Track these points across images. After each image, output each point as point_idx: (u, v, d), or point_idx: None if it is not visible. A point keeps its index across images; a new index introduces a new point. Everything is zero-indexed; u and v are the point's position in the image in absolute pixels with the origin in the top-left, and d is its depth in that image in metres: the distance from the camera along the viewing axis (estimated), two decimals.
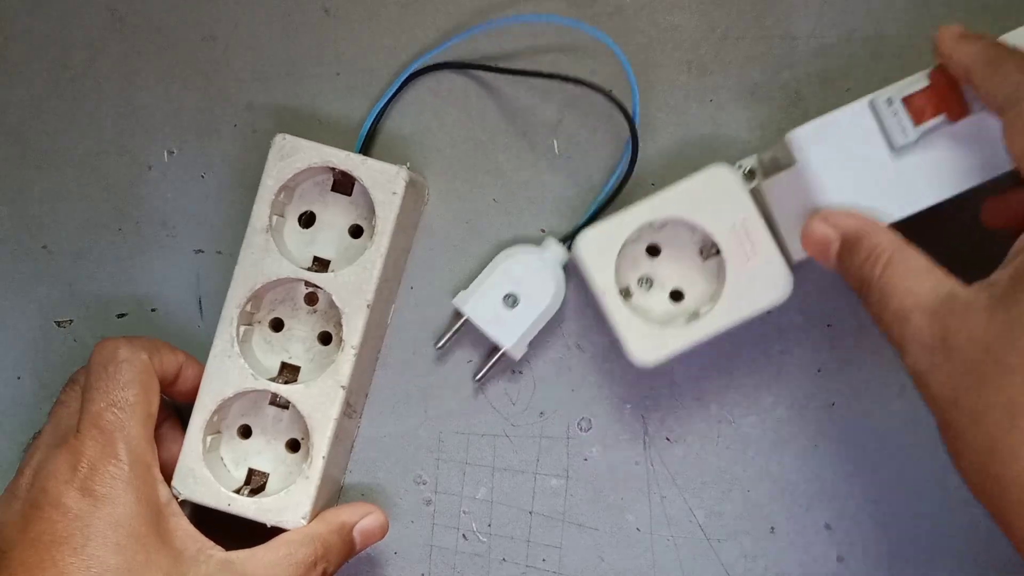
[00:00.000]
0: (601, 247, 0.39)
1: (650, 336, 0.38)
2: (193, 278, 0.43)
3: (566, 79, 0.41)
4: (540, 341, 0.42)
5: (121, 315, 0.43)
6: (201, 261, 0.43)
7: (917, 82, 0.35)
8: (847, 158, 0.35)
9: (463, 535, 0.42)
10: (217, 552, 0.36)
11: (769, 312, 0.42)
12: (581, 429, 0.42)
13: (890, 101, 0.35)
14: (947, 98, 0.34)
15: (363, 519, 0.39)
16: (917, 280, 0.33)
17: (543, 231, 0.42)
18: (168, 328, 0.43)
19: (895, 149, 0.35)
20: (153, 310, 0.43)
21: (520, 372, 0.42)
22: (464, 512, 0.42)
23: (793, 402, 0.42)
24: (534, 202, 0.43)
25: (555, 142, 0.43)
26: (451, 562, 0.42)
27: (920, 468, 0.42)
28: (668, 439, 0.42)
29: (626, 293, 0.40)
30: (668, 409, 0.42)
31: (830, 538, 0.42)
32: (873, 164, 0.35)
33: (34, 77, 0.44)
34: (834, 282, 0.42)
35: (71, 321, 0.44)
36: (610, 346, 0.42)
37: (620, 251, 0.39)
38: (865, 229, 0.34)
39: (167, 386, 0.39)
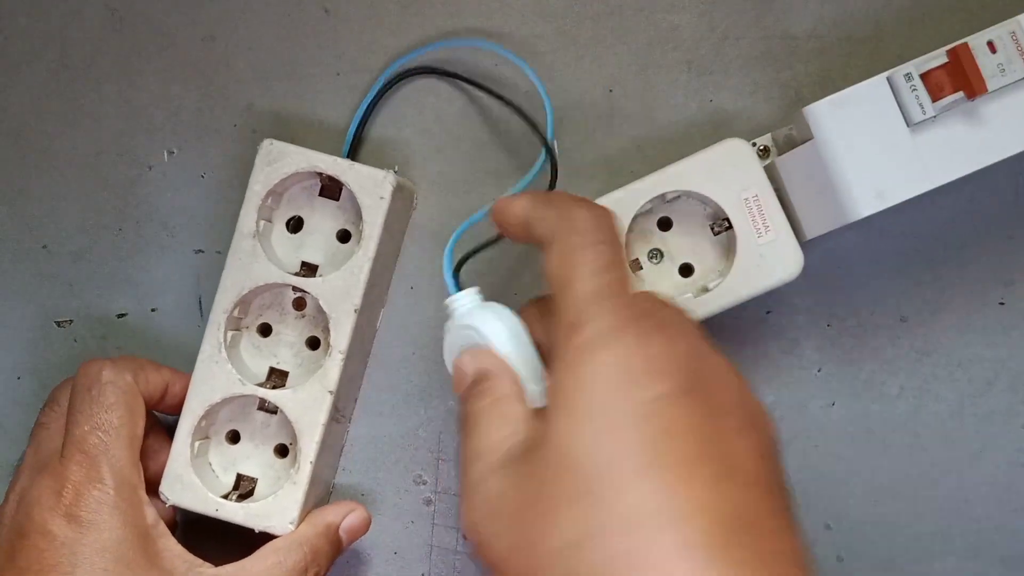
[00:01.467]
0: None
1: None
2: (193, 278, 0.43)
3: (499, 97, 0.41)
4: None
5: (121, 315, 0.43)
6: (201, 261, 0.43)
7: (936, 58, 0.35)
8: (863, 133, 0.35)
9: (463, 535, 0.42)
10: (207, 569, 0.36)
11: (769, 312, 0.42)
12: None
13: (908, 76, 0.35)
14: (965, 75, 0.34)
15: (347, 517, 0.39)
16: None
17: None
18: (168, 328, 0.43)
19: (912, 125, 0.35)
20: (153, 310, 0.43)
21: None
22: None
23: (793, 402, 0.42)
24: None
25: (555, 142, 0.43)
26: (451, 562, 0.42)
27: (920, 468, 0.42)
28: None
29: (636, 265, 0.40)
30: None
31: (830, 538, 0.42)
32: (889, 139, 0.35)
33: (34, 77, 0.44)
34: (834, 282, 0.42)
35: (71, 321, 0.44)
36: None
37: (631, 223, 0.38)
38: (492, 370, 0.33)
39: (154, 404, 0.39)
